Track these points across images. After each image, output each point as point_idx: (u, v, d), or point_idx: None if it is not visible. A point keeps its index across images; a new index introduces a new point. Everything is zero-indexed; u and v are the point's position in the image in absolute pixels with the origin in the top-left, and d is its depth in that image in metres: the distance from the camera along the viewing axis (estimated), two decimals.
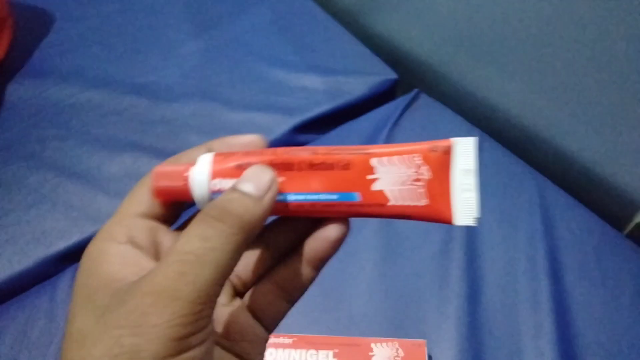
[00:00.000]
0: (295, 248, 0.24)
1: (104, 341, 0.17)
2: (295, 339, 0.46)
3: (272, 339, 0.46)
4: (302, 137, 0.69)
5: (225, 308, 0.23)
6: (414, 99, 0.71)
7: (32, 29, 0.81)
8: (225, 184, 0.22)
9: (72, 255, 0.57)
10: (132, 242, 0.21)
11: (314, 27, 0.82)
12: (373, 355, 0.45)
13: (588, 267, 0.54)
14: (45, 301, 0.51)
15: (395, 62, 0.79)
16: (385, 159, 0.22)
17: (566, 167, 0.69)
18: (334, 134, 0.69)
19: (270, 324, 0.24)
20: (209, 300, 0.18)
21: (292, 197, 0.22)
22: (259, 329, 0.24)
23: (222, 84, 0.73)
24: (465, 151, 0.22)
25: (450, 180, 0.22)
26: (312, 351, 0.46)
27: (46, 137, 0.67)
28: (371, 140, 0.66)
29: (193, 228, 0.19)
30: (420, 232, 0.56)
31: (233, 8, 0.84)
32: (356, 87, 0.73)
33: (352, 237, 0.24)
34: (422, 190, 0.22)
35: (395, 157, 0.22)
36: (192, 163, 0.23)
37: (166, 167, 0.23)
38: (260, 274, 0.24)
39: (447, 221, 0.22)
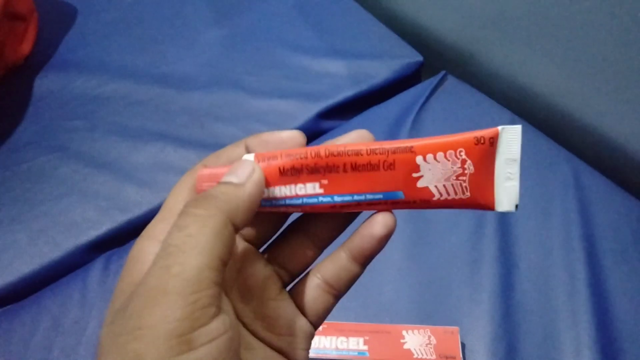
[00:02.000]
0: (341, 242, 0.24)
1: (114, 349, 0.17)
2: (325, 326, 0.46)
3: None
4: (327, 124, 0.69)
5: (273, 302, 0.23)
6: (441, 82, 0.69)
7: (56, 23, 0.81)
8: (271, 192, 0.22)
9: (103, 245, 0.57)
10: None
11: (336, 11, 0.81)
12: (404, 343, 0.45)
13: (626, 251, 0.52)
14: (78, 290, 0.52)
15: (420, 44, 0.78)
16: (430, 156, 0.22)
17: (601, 149, 0.66)
18: (359, 119, 0.68)
19: (316, 319, 0.24)
20: (201, 289, 0.17)
21: (338, 199, 0.22)
22: (305, 324, 0.23)
23: (244, 72, 0.73)
24: (510, 140, 0.22)
25: (495, 170, 0.22)
26: (343, 338, 0.45)
27: (73, 128, 0.67)
28: (398, 125, 0.64)
29: (174, 223, 0.19)
30: (451, 217, 0.55)
31: None
32: (381, 71, 0.72)
33: None
34: (465, 184, 0.22)
35: (440, 154, 0.22)
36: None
37: (210, 170, 0.22)
38: (306, 264, 0.24)
39: (489, 208, 0.22)
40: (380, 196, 0.22)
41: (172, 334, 0.16)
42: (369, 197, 0.22)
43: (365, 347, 0.45)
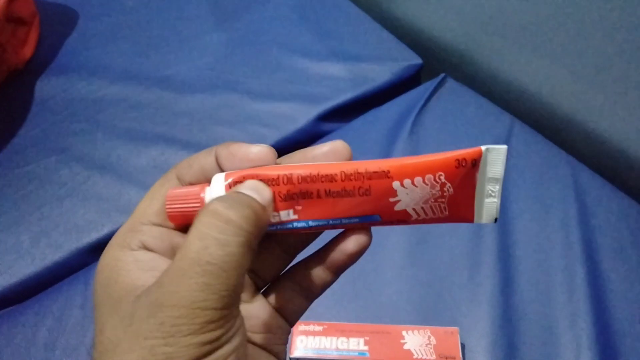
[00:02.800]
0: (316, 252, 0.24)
1: (136, 351, 0.18)
2: (325, 326, 0.46)
3: (303, 327, 0.46)
4: (327, 126, 0.69)
5: (249, 305, 0.24)
6: (440, 84, 0.70)
7: (58, 26, 0.82)
8: None
9: (104, 246, 0.57)
10: (146, 247, 0.21)
11: (336, 14, 0.81)
12: (405, 343, 0.45)
13: (625, 252, 0.52)
14: (80, 291, 0.52)
15: (419, 47, 0.78)
16: (407, 181, 0.21)
17: (600, 150, 0.67)
18: (359, 121, 0.68)
19: (291, 318, 0.25)
20: (234, 302, 0.19)
21: (312, 223, 0.22)
22: (281, 322, 0.24)
23: (245, 75, 0.73)
24: (495, 160, 0.21)
25: (475, 190, 0.21)
26: (343, 338, 0.45)
27: (75, 131, 0.68)
28: (397, 127, 0.65)
29: (207, 234, 0.18)
30: None
31: None
32: (380, 73, 0.72)
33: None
34: (444, 205, 0.21)
35: (418, 179, 0.21)
36: (207, 184, 0.22)
37: (181, 190, 0.22)
38: (278, 270, 0.25)
39: (467, 222, 0.22)
40: (356, 220, 0.22)
41: (205, 341, 0.18)
42: (345, 221, 0.22)
43: (366, 348, 0.45)
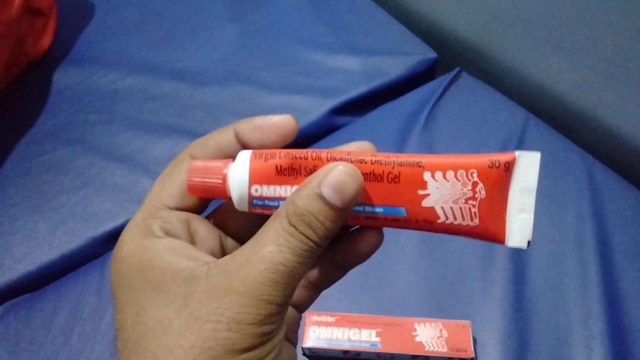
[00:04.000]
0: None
1: (195, 332, 0.18)
2: (338, 317, 0.47)
3: (315, 317, 0.46)
4: (341, 119, 0.69)
5: None
6: (455, 78, 0.69)
7: (75, 18, 0.83)
8: (266, 191, 0.21)
9: (119, 236, 0.58)
10: (170, 235, 0.21)
11: (351, 7, 0.81)
12: (416, 335, 0.45)
13: (639, 248, 0.52)
14: (96, 279, 0.53)
15: (434, 41, 0.78)
16: (439, 173, 0.20)
17: (615, 146, 0.66)
18: (372, 115, 0.68)
19: (299, 307, 0.25)
20: (289, 302, 0.20)
21: None
22: (291, 310, 0.25)
23: (259, 68, 0.74)
24: (528, 167, 0.20)
25: (508, 199, 0.20)
26: (355, 330, 0.46)
27: (91, 122, 0.69)
28: (411, 121, 0.65)
29: (282, 239, 0.19)
30: None
31: None
32: (394, 67, 0.72)
33: None
34: (475, 209, 0.20)
35: (450, 172, 0.20)
36: (230, 159, 0.22)
37: (203, 163, 0.21)
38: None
39: (498, 242, 0.21)
40: (380, 210, 0.21)
41: (264, 332, 0.19)
42: (368, 209, 0.21)
43: (378, 339, 0.45)
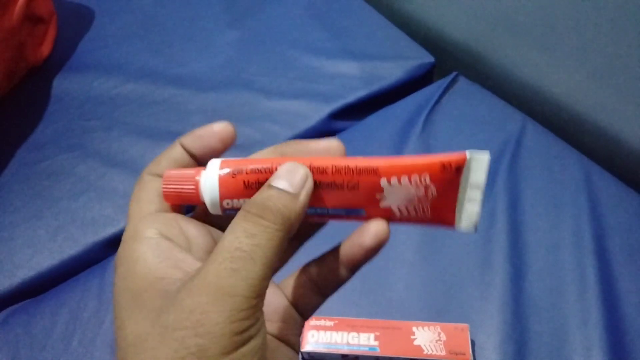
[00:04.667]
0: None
1: (167, 344, 0.18)
2: (336, 321, 0.47)
3: (314, 321, 0.47)
4: (339, 124, 0.69)
5: None
6: (452, 82, 0.70)
7: (75, 25, 0.83)
8: (237, 203, 0.22)
9: (119, 241, 0.59)
10: (162, 234, 0.21)
11: (349, 13, 0.82)
12: (415, 339, 0.45)
13: (636, 251, 0.52)
14: (96, 284, 0.54)
15: (432, 45, 0.78)
16: (394, 179, 0.22)
17: (612, 149, 0.66)
18: (371, 119, 0.68)
19: (304, 312, 0.25)
20: (261, 294, 0.19)
21: None
22: (294, 313, 0.24)
23: (258, 73, 0.74)
24: (477, 168, 0.21)
25: (458, 194, 0.22)
26: (354, 334, 0.46)
27: (91, 128, 0.69)
28: (409, 125, 0.65)
29: (238, 226, 0.20)
30: None
31: None
32: (392, 71, 0.72)
33: None
34: (427, 205, 0.22)
35: (404, 178, 0.22)
36: (202, 167, 0.23)
37: (177, 172, 0.23)
38: (287, 258, 0.25)
39: (448, 226, 0.23)
40: (342, 212, 0.23)
41: (235, 331, 0.18)
42: (331, 211, 0.23)
43: (376, 343, 0.45)
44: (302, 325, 0.25)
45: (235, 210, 0.22)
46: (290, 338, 0.24)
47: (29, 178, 0.64)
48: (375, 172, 0.22)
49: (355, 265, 0.23)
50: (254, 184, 0.22)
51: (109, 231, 0.59)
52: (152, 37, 0.80)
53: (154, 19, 0.83)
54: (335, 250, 0.24)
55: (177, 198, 0.23)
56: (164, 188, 0.23)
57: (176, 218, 0.23)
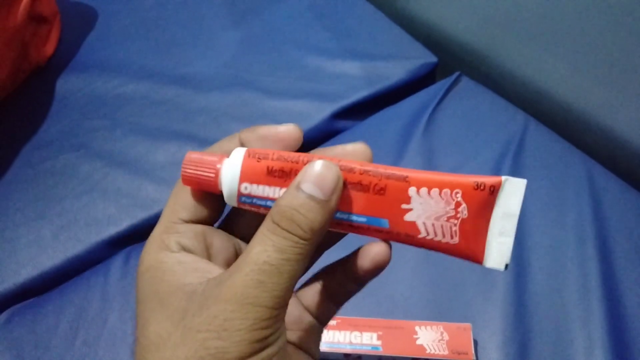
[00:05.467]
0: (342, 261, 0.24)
1: (188, 344, 0.18)
2: (339, 321, 0.47)
3: None
4: (341, 124, 0.69)
5: None
6: (455, 82, 0.70)
7: (78, 25, 0.84)
8: (255, 189, 0.21)
9: (123, 240, 0.59)
10: (185, 249, 0.22)
11: (351, 12, 0.82)
12: (417, 338, 0.45)
13: (639, 250, 0.52)
14: (99, 283, 0.54)
15: (434, 45, 0.78)
16: (424, 189, 0.20)
17: (615, 149, 0.66)
18: (373, 119, 0.68)
19: (321, 320, 0.25)
20: (284, 305, 0.20)
21: None
22: (312, 321, 0.24)
23: (260, 73, 0.74)
24: (512, 192, 0.20)
25: (490, 222, 0.21)
26: (356, 333, 0.46)
27: (94, 127, 0.69)
28: (412, 125, 0.65)
29: (267, 239, 0.19)
30: None
31: None
32: (395, 71, 0.72)
33: None
34: (456, 228, 0.21)
35: (435, 190, 0.20)
36: (226, 155, 0.22)
37: (199, 155, 0.22)
38: (308, 268, 0.25)
39: (476, 261, 0.21)
40: (363, 219, 0.21)
41: (256, 339, 0.18)
42: (353, 218, 0.21)
43: (379, 342, 0.45)
44: (321, 333, 0.25)
45: (251, 199, 0.21)
46: (310, 346, 0.24)
47: (33, 178, 0.64)
48: (404, 179, 0.21)
49: (364, 280, 0.23)
50: (278, 171, 0.21)
51: (112, 230, 0.59)
52: (155, 37, 0.80)
53: (157, 18, 0.83)
54: (342, 263, 0.23)
55: (195, 183, 0.22)
56: (183, 170, 0.22)
57: (204, 231, 0.23)
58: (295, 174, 0.21)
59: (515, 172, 0.59)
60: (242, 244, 0.24)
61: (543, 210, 0.56)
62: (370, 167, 0.21)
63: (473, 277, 0.51)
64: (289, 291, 0.19)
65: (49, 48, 0.78)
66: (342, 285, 0.24)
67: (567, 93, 0.69)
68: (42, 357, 0.49)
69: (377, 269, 0.22)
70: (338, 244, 0.25)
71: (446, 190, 0.20)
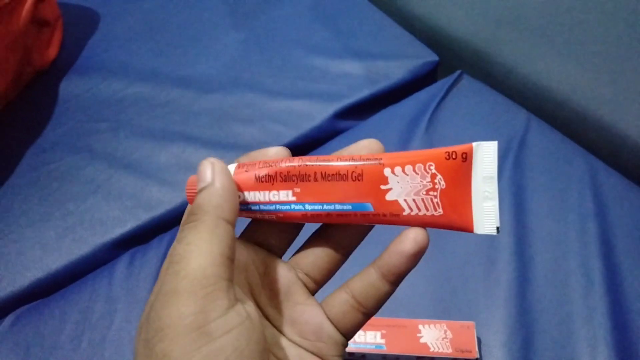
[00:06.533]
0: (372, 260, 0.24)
1: (143, 354, 0.19)
2: None
3: None
4: (343, 123, 0.70)
5: (301, 306, 0.24)
6: (456, 81, 0.70)
7: (81, 28, 0.84)
8: (247, 196, 0.23)
9: (127, 242, 0.59)
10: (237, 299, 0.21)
11: (352, 12, 0.82)
12: (421, 337, 0.46)
13: None
14: (104, 285, 0.54)
15: (435, 44, 0.78)
16: (398, 168, 0.21)
17: (617, 146, 0.66)
18: (375, 119, 0.69)
19: (347, 332, 0.24)
20: (208, 284, 0.19)
21: (309, 207, 0.23)
22: (334, 333, 0.24)
23: (262, 73, 0.74)
24: (486, 156, 0.21)
25: (471, 189, 0.21)
26: (360, 332, 0.46)
27: (98, 130, 0.70)
28: (414, 124, 0.65)
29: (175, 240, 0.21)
30: None
31: None
32: (396, 71, 0.72)
33: None
34: (437, 200, 0.21)
35: (408, 167, 0.21)
36: None
37: (194, 177, 0.24)
38: (329, 271, 0.25)
39: (467, 230, 0.22)
40: (349, 207, 0.22)
41: (190, 328, 0.18)
42: (338, 207, 0.22)
43: (382, 341, 0.46)
44: (345, 346, 0.24)
45: (246, 206, 0.23)
46: (330, 358, 0.24)
47: (37, 180, 0.64)
48: (378, 162, 0.22)
49: (397, 276, 0.23)
50: (264, 177, 0.23)
51: (117, 232, 0.59)
52: (157, 39, 0.81)
53: (159, 21, 0.84)
54: (375, 263, 0.23)
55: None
56: (187, 193, 0.23)
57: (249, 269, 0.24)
58: (280, 176, 0.23)
59: (517, 169, 0.59)
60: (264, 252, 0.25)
61: (545, 207, 0.56)
62: (347, 155, 0.23)
63: (476, 275, 0.51)
64: (207, 270, 0.19)
65: (52, 52, 0.78)
66: (374, 287, 0.23)
67: (569, 90, 0.69)
68: (49, 358, 0.49)
69: (419, 252, 0.22)
70: (361, 253, 0.25)
71: (419, 165, 0.21)
